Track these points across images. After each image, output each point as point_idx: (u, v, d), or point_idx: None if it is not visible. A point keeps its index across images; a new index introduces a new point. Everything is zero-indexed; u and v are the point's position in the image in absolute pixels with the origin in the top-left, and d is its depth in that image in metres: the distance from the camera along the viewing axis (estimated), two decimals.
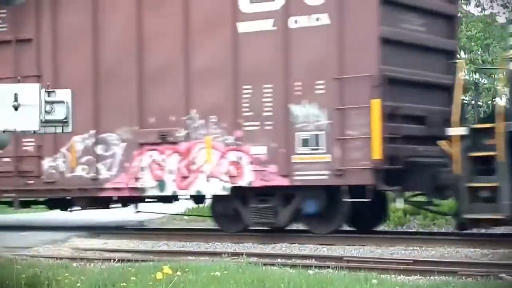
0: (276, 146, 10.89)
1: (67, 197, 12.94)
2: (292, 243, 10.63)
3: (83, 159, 12.37)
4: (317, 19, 10.64)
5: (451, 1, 12.02)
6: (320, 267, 8.18)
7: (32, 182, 12.69)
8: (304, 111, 10.73)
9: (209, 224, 12.89)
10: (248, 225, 11.39)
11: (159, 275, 5.99)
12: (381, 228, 12.02)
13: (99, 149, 12.24)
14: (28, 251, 10.43)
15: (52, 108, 6.45)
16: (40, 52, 12.63)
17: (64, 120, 6.57)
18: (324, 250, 10.08)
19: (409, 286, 6.81)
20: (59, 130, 6.71)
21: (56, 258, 9.59)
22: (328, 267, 8.10)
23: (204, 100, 11.44)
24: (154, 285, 6.28)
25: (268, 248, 10.48)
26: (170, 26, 11.70)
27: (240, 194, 11.28)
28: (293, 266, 8.23)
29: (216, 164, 11.32)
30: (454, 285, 6.74)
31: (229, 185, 11.22)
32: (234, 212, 11.43)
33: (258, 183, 11.02)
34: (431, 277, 7.56)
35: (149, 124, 11.86)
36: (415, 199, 11.47)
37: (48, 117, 6.49)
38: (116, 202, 13.47)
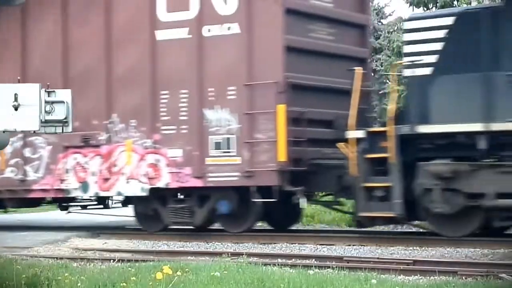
0: (191, 149, 11.52)
1: None
2: (292, 243, 10.70)
3: (12, 162, 12.88)
4: (229, 28, 11.32)
5: (363, 11, 12.77)
6: (320, 267, 8.13)
7: None
8: (217, 115, 11.37)
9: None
10: (168, 224, 12.01)
11: (159, 275, 5.95)
12: (380, 228, 11.85)
13: (27, 152, 12.77)
14: (28, 251, 10.46)
15: (52, 108, 6.40)
16: None
17: (64, 120, 6.54)
18: (324, 250, 10.10)
19: (409, 286, 6.82)
20: (59, 130, 6.66)
21: (56, 258, 9.54)
22: (328, 267, 8.04)
23: (125, 104, 12.03)
24: (154, 285, 6.22)
25: (268, 248, 10.52)
26: (93, 34, 12.29)
27: (159, 195, 11.90)
28: (293, 266, 8.23)
29: (135, 167, 11.92)
30: (454, 285, 6.71)
31: (148, 187, 11.82)
32: (154, 212, 12.04)
33: (174, 185, 11.65)
34: (431, 277, 7.50)
35: (73, 128, 12.36)
36: (325, 198, 12.19)
37: (48, 117, 6.46)
38: (49, 203, 14.02)
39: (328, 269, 7.88)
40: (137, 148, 11.94)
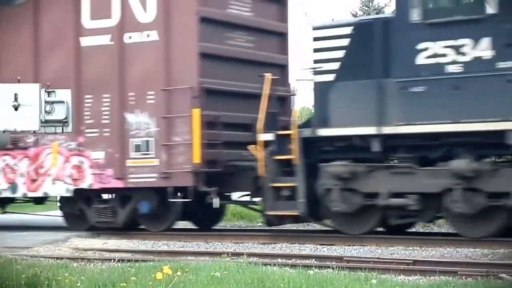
0: (112, 151, 12.13)
1: None
2: (292, 243, 10.70)
3: None
4: (148, 35, 11.97)
5: (282, 20, 13.53)
6: (320, 267, 8.14)
7: None
8: (137, 119, 12.00)
9: None
10: (93, 224, 12.58)
11: (159, 275, 5.93)
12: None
13: None
14: (28, 251, 10.46)
15: (52, 108, 6.47)
16: None
17: (64, 120, 6.65)
18: (324, 250, 10.10)
19: (409, 286, 6.83)
20: (59, 130, 6.78)
21: (56, 258, 9.56)
22: (328, 267, 8.03)
23: None
24: (154, 285, 6.20)
25: (268, 248, 10.53)
26: (23, 40, 12.88)
27: (83, 195, 12.50)
28: (293, 266, 8.24)
29: (61, 168, 12.50)
30: (454, 285, 6.72)
31: (72, 187, 12.40)
32: (80, 212, 12.62)
33: (97, 186, 12.26)
34: (431, 277, 7.52)
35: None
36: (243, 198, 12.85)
37: (48, 117, 6.56)
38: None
39: (328, 269, 7.90)
40: (62, 150, 12.52)
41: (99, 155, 12.24)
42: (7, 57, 13.00)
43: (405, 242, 10.32)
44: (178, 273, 6.57)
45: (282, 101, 12.75)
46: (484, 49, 9.62)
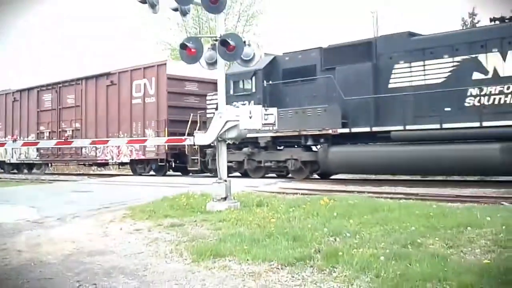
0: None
1: None
2: (391, 185, 16.99)
3: None
4: (152, 99, 26.55)
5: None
6: (406, 199, 12.74)
7: None
8: (148, 132, 26.02)
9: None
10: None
11: (322, 202, 10.97)
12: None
13: None
14: (256, 189, 16.70)
15: (267, 117, 11.49)
16: None
17: (273, 123, 11.75)
18: (408, 190, 15.52)
19: (454, 208, 10.56)
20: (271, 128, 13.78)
21: (270, 192, 15.66)
22: (411, 199, 12.83)
23: None
24: (319, 206, 10.65)
25: (378, 189, 15.92)
26: None
27: None
28: (391, 198, 12.62)
29: None
30: (475, 208, 10.25)
31: None
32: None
33: None
34: (463, 204, 11.72)
35: None
36: None
37: (264, 122, 11.60)
38: None
39: (410, 200, 12.37)
40: None
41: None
42: None
43: (442, 183, 17.06)
44: (332, 201, 11.26)
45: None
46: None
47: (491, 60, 16.42)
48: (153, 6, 12.43)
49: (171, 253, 7.65)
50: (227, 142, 12.19)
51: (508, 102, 15.95)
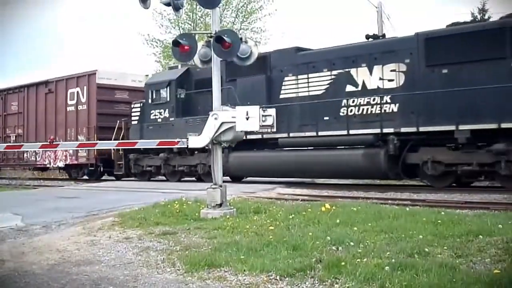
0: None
1: None
2: (396, 191, 17.72)
3: None
4: (84, 107, 29.09)
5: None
6: (412, 205, 12.92)
7: None
8: (80, 137, 27.70)
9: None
10: None
11: (323, 208, 10.93)
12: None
13: None
14: (253, 194, 17.11)
15: (265, 119, 11.31)
16: None
17: (272, 125, 11.46)
18: (414, 196, 16.57)
19: (463, 215, 10.59)
20: (269, 130, 11.91)
21: (268, 198, 16.04)
22: (416, 205, 13.03)
23: None
24: (321, 213, 10.65)
25: (383, 195, 16.78)
26: None
27: None
28: (397, 205, 13.03)
29: None
30: (487, 215, 10.58)
31: None
32: None
33: None
34: (475, 211, 11.99)
35: None
36: None
37: (262, 123, 11.38)
38: None
39: (416, 206, 12.59)
40: None
41: None
42: None
43: (452, 191, 17.38)
44: (334, 207, 11.26)
45: None
46: (167, 115, 24.94)
47: (361, 74, 19.57)
48: (144, 1, 12.36)
49: (163, 263, 7.57)
50: (222, 145, 12.11)
51: (373, 112, 19.06)
